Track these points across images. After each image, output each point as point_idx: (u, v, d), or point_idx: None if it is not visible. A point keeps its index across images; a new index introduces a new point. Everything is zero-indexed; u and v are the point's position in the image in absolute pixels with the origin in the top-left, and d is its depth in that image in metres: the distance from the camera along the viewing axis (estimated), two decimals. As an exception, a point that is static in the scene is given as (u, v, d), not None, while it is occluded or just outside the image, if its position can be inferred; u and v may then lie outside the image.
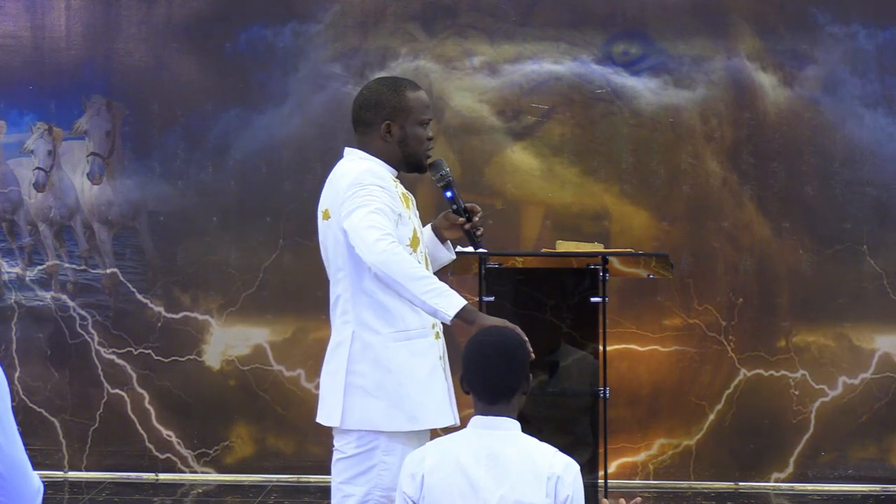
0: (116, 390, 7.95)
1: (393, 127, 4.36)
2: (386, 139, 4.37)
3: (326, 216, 4.29)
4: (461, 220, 4.49)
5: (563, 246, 6.28)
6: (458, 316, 4.05)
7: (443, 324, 4.25)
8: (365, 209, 4.16)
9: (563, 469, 3.60)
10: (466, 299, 4.16)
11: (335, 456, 4.31)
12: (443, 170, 4.49)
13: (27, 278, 8.03)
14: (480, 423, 3.66)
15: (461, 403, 7.70)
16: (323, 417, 4.33)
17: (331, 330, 4.38)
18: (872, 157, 7.79)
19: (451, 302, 4.06)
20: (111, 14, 8.00)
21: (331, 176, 4.38)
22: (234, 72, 7.93)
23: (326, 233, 4.31)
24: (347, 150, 4.44)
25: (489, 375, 3.65)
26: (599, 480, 5.78)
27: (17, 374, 7.96)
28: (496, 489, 3.56)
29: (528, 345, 3.83)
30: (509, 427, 3.65)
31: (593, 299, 5.79)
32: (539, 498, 3.55)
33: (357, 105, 4.42)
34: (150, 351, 7.93)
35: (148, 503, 7.49)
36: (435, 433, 4.23)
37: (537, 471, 3.57)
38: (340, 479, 4.27)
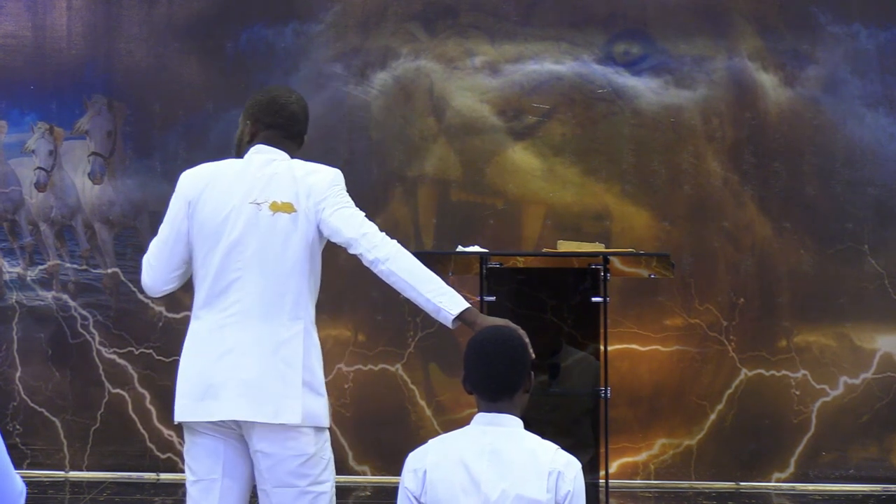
0: (118, 390, 7.95)
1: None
2: (300, 148, 4.47)
3: (288, 209, 4.20)
4: None
5: (565, 246, 6.28)
6: (460, 317, 4.08)
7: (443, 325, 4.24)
8: (358, 210, 4.23)
9: (565, 465, 3.61)
10: (468, 300, 4.17)
11: (293, 462, 4.14)
12: None
13: (28, 278, 8.03)
14: (483, 420, 3.68)
15: (463, 403, 7.71)
16: (269, 415, 4.11)
17: (271, 326, 4.17)
18: (873, 157, 7.79)
19: (456, 302, 4.10)
20: (112, 14, 8.00)
21: (276, 171, 4.27)
22: (235, 72, 7.93)
23: (286, 227, 4.20)
24: (274, 150, 4.35)
25: (491, 373, 3.66)
26: (601, 480, 5.78)
27: (18, 374, 7.97)
28: (498, 484, 3.57)
29: (530, 346, 3.83)
30: (512, 424, 3.66)
31: (594, 299, 5.78)
32: (540, 493, 3.56)
33: (304, 117, 4.45)
34: (151, 351, 7.93)
35: (149, 503, 7.49)
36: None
37: (539, 466, 3.58)
38: (306, 482, 4.16)
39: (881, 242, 7.78)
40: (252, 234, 4.21)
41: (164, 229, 4.33)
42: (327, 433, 4.25)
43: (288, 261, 4.20)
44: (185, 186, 4.35)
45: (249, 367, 4.15)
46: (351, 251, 4.20)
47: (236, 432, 4.19)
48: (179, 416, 4.24)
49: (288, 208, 4.21)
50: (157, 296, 4.44)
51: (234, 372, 4.16)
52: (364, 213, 4.23)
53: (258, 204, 4.23)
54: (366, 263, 4.20)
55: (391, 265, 4.12)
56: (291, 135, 4.41)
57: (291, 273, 4.20)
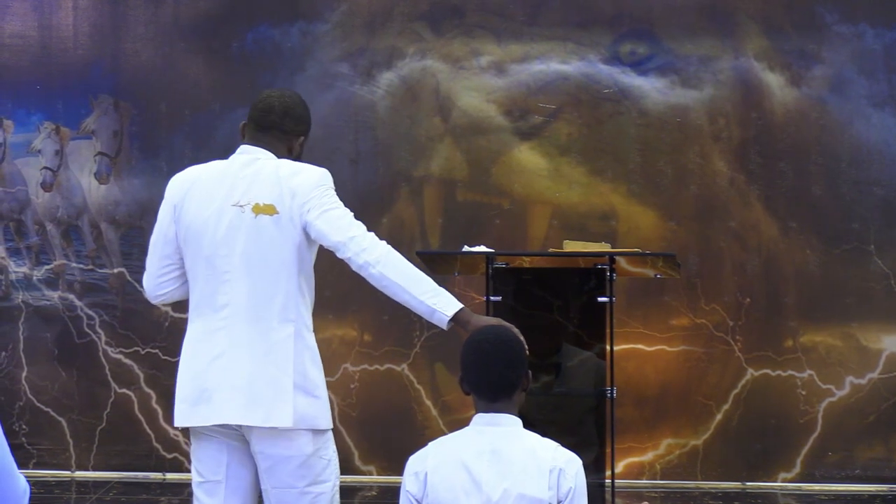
0: (124, 390, 7.95)
1: (303, 144, 4.38)
2: (293, 152, 4.34)
3: (270, 211, 4.14)
4: None
5: (571, 246, 6.27)
6: (455, 317, 4.03)
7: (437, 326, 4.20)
8: (346, 211, 4.15)
9: (566, 462, 3.61)
10: (471, 300, 4.16)
11: (291, 462, 4.13)
12: None
13: (34, 278, 8.04)
14: (482, 421, 3.67)
15: (469, 403, 7.71)
16: (260, 419, 4.09)
17: (260, 328, 4.13)
18: (880, 157, 7.79)
19: (450, 303, 4.05)
20: (118, 14, 8.01)
21: (259, 170, 4.21)
22: (241, 71, 7.93)
23: (269, 229, 4.14)
24: (258, 150, 4.27)
25: (488, 373, 3.66)
26: (607, 480, 5.77)
27: (24, 374, 7.97)
28: (499, 483, 3.57)
29: (524, 343, 3.83)
30: (511, 423, 3.66)
31: (600, 299, 5.77)
32: (542, 491, 3.56)
33: (282, 111, 4.31)
34: (157, 350, 7.94)
35: (155, 503, 7.49)
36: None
37: (540, 464, 3.58)
38: (305, 482, 4.14)
39: (888, 242, 7.77)
40: (236, 236, 4.15)
41: (153, 234, 4.31)
42: (329, 433, 4.22)
43: (274, 263, 4.14)
44: (171, 190, 4.31)
45: (240, 370, 4.12)
46: (339, 255, 4.13)
47: (239, 434, 4.18)
48: (177, 420, 4.23)
49: (270, 210, 4.15)
50: (154, 302, 4.41)
51: (226, 376, 4.13)
52: (353, 214, 4.14)
53: (241, 206, 4.17)
54: (354, 268, 4.13)
55: (381, 269, 4.07)
56: (263, 126, 4.29)
57: (279, 275, 4.14)
